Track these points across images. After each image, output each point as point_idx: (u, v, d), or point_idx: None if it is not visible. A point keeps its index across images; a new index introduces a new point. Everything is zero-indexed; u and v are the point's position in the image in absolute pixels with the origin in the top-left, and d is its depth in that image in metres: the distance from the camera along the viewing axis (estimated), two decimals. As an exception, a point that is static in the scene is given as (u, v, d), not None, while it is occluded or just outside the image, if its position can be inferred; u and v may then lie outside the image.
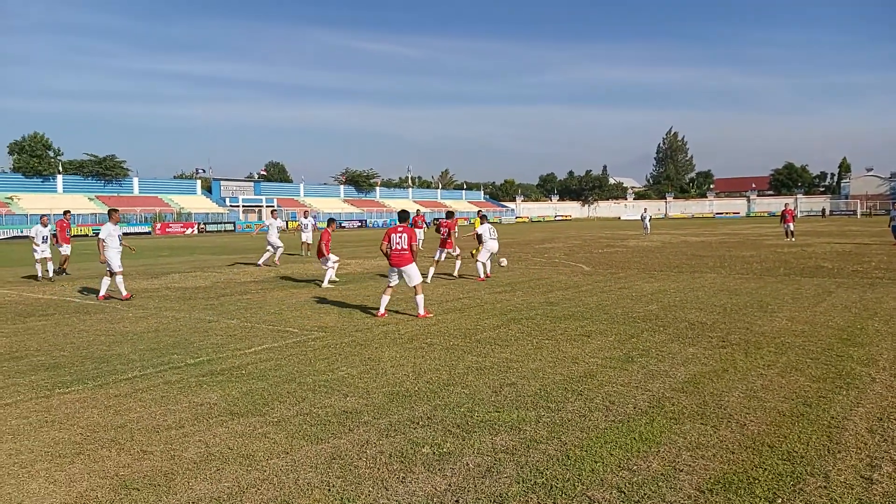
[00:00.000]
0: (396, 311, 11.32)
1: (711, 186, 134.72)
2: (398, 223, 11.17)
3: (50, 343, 8.97)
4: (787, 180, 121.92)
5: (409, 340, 8.77)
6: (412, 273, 10.84)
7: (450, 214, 18.46)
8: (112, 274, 13.53)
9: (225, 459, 4.61)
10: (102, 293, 13.66)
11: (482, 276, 16.24)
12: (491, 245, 16.59)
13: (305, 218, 27.71)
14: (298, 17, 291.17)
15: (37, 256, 18.01)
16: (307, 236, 26.74)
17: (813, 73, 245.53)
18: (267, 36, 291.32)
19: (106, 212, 61.14)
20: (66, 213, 21.74)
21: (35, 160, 70.34)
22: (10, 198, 65.22)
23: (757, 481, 4.14)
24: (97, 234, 13.88)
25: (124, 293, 13.44)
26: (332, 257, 15.78)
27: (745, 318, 10.12)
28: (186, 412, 5.72)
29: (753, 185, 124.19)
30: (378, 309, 11.08)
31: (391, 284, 11.10)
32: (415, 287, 10.87)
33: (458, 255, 17.35)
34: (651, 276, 16.29)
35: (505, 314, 10.82)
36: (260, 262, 21.63)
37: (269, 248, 21.73)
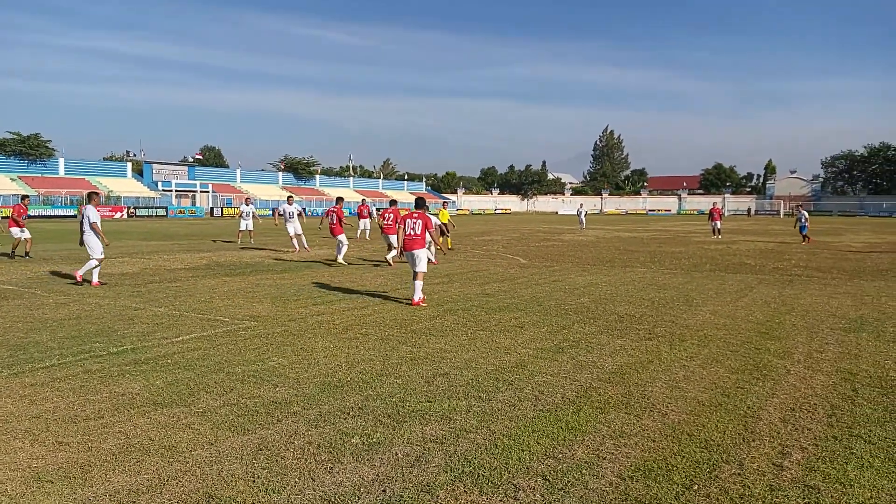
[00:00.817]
0: (330, 301, 11.21)
1: (645, 184, 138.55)
2: (414, 210, 11.60)
3: (-40, 330, 8.48)
4: (717, 180, 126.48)
5: (344, 331, 8.69)
6: (421, 257, 11.03)
7: (392, 203, 19.24)
8: (97, 259, 13.06)
9: (146, 451, 4.46)
10: (95, 280, 13.08)
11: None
12: None
13: (247, 206, 27.15)
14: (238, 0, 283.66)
15: None
16: (247, 224, 26.21)
17: (744, 79, 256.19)
18: (205, 17, 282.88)
19: (35, 193, 57.84)
20: (24, 198, 20.80)
21: (-50, 137, 66.25)
22: (-79, 175, 61.25)
23: (675, 468, 4.29)
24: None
25: (77, 274, 13.16)
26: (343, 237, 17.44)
27: (671, 311, 10.46)
28: (106, 402, 5.51)
29: (685, 184, 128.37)
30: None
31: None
32: (417, 272, 11.01)
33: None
34: (584, 270, 16.64)
35: (441, 305, 10.85)
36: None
37: (293, 237, 21.65)
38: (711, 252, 23.32)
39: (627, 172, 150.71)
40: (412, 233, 11.10)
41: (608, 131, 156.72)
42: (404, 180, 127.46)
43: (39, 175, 71.33)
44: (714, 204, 36.91)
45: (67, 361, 6.87)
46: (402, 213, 14.09)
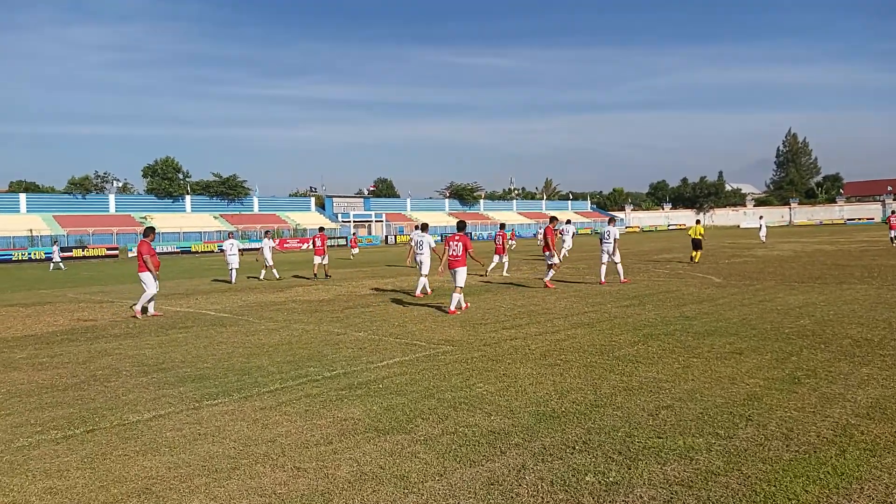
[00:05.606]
0: (518, 325, 10.98)
1: (841, 191, 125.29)
2: (455, 232, 13.37)
3: (193, 355, 9.31)
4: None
5: (542, 357, 8.40)
6: (461, 274, 12.92)
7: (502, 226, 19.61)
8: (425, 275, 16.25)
9: (379, 480, 4.44)
10: (418, 292, 16.02)
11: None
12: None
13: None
14: (403, 37, 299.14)
15: (267, 263, 23.45)
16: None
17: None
18: (373, 57, 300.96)
19: (234, 229, 64.33)
20: (321, 229, 25.79)
21: (166, 182, 75.82)
22: (145, 217, 70.55)
23: None
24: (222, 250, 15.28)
25: (429, 290, 16.12)
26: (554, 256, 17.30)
27: (918, 334, 9.02)
28: (332, 427, 5.64)
29: (889, 188, 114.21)
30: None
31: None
32: (457, 287, 12.89)
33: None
34: (792, 288, 15.05)
35: (639, 329, 10.23)
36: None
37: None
38: (943, 264, 20.21)
39: (818, 179, 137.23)
40: (454, 253, 12.91)
41: (791, 135, 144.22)
42: (568, 199, 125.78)
43: (237, 213, 79.22)
44: (892, 212, 35.48)
45: (289, 385, 7.23)
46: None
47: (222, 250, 25.67)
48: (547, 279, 17.24)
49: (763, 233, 40.76)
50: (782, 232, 70.19)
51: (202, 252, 58.57)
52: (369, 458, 4.85)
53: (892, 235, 32.97)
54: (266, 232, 25.45)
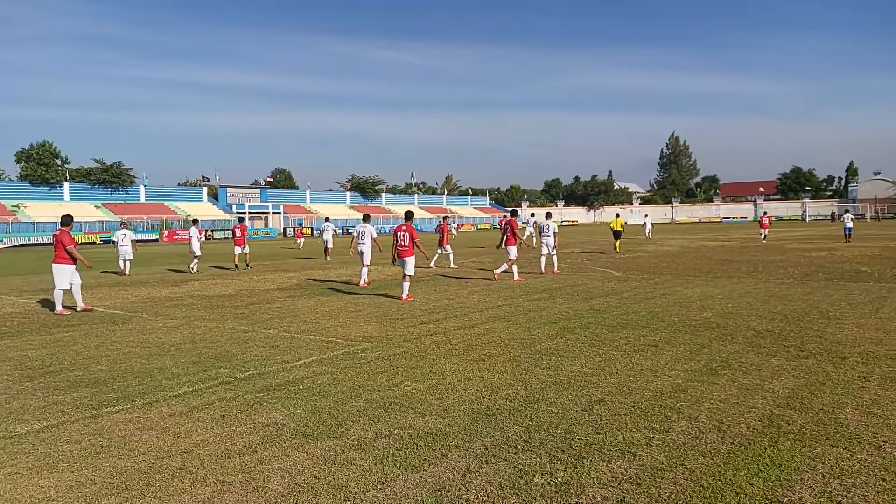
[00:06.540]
0: (436, 320, 10.81)
1: (717, 191, 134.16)
2: (403, 223, 13.91)
3: (84, 356, 8.47)
4: (795, 184, 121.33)
5: (466, 352, 8.25)
6: (409, 263, 13.44)
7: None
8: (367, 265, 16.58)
9: (315, 492, 4.09)
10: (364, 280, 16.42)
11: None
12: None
13: (327, 221, 29.80)
14: (304, 25, 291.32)
15: (196, 253, 22.27)
16: (326, 240, 28.30)
17: (820, 78, 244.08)
18: (272, 43, 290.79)
19: (118, 219, 60.51)
20: (241, 219, 25.00)
21: (42, 168, 69.99)
22: (17, 206, 64.86)
23: (934, 517, 3.62)
24: (112, 241, 14.43)
25: (362, 283, 16.45)
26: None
27: (811, 325, 9.60)
28: (254, 434, 5.21)
29: (761, 190, 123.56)
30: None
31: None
32: (406, 275, 13.45)
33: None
34: (688, 282, 15.76)
35: (555, 323, 10.30)
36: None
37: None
38: (817, 259, 21.93)
39: (697, 179, 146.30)
40: (402, 243, 13.43)
41: (674, 137, 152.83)
42: (468, 195, 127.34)
43: (122, 202, 74.42)
44: (764, 212, 40.68)
45: (198, 389, 6.66)
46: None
47: (112, 241, 24.54)
48: (515, 276, 16.85)
49: (648, 229, 42.79)
50: (666, 228, 74.26)
51: (83, 244, 54.55)
52: (301, 468, 4.48)
53: (765, 234, 36.05)
54: (194, 221, 24.17)
